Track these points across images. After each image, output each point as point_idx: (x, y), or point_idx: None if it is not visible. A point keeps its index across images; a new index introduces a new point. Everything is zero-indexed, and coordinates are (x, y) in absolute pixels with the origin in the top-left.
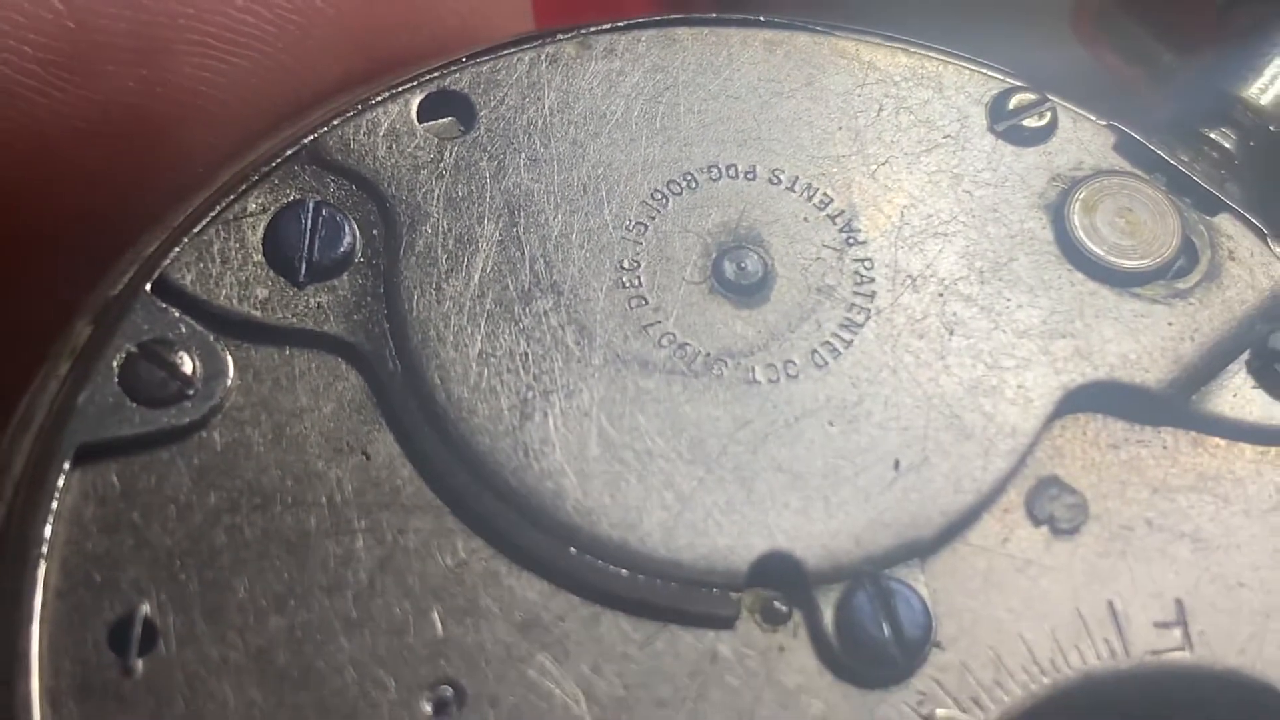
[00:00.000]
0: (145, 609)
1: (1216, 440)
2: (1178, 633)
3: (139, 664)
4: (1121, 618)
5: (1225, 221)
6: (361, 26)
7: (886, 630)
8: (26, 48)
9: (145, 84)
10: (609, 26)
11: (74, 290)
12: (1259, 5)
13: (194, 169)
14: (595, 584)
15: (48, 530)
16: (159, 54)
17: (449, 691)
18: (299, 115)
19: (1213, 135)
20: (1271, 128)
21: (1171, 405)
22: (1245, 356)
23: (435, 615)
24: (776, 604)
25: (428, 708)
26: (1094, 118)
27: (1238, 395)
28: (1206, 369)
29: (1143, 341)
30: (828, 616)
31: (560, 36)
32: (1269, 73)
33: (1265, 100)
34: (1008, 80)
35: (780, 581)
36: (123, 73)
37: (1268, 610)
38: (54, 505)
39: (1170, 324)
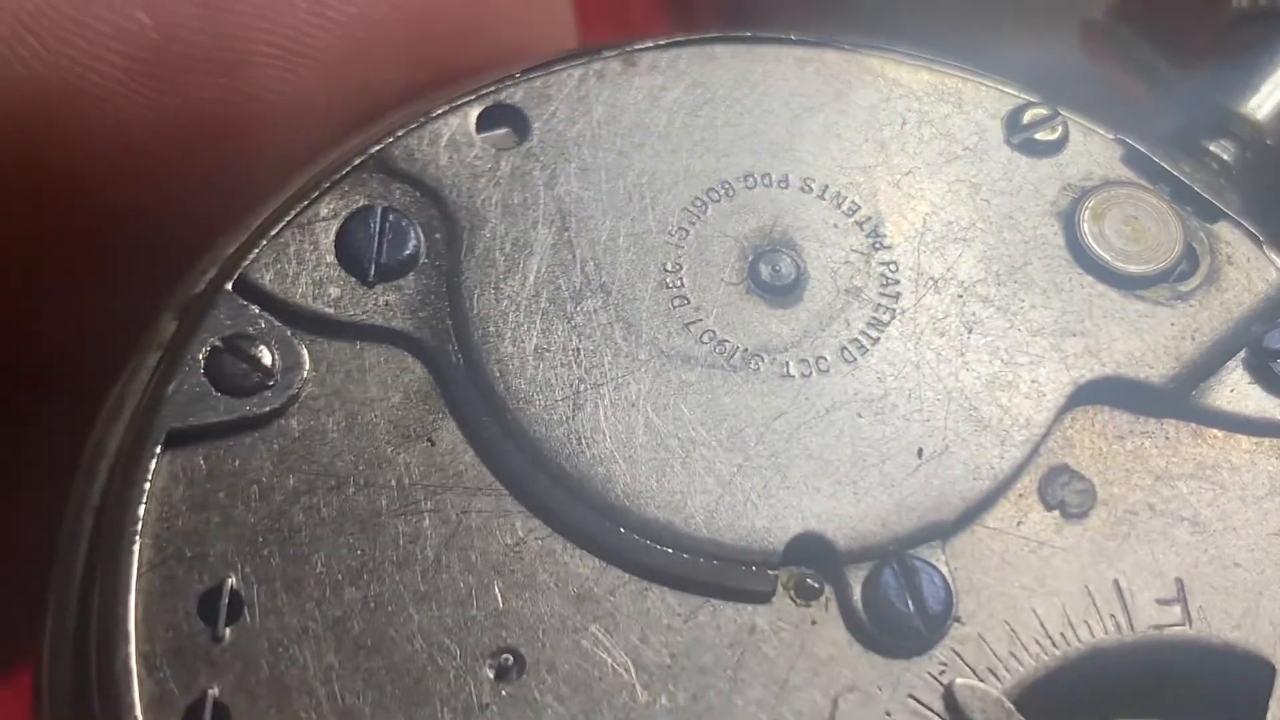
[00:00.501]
0: (232, 581)
1: (1215, 432)
2: (1178, 609)
3: (226, 632)
4: (1126, 595)
5: (1224, 229)
6: (421, 41)
7: (911, 605)
8: (115, 56)
9: (224, 92)
10: (651, 44)
11: (156, 283)
12: (1262, 22)
13: (267, 173)
14: (643, 561)
15: (141, 510)
16: (237, 64)
17: (509, 659)
18: (364, 125)
19: (1213, 148)
20: (1268, 141)
21: (1173, 399)
22: (1242, 354)
23: (496, 589)
24: (809, 581)
25: (490, 673)
26: (1103, 131)
27: (1235, 390)
28: (1206, 366)
29: (1147, 340)
30: (857, 592)
31: (607, 53)
32: (1266, 88)
33: (1262, 115)
34: (1022, 96)
35: (813, 560)
36: (204, 81)
37: (1261, 588)
38: (147, 486)
39: (1173, 324)
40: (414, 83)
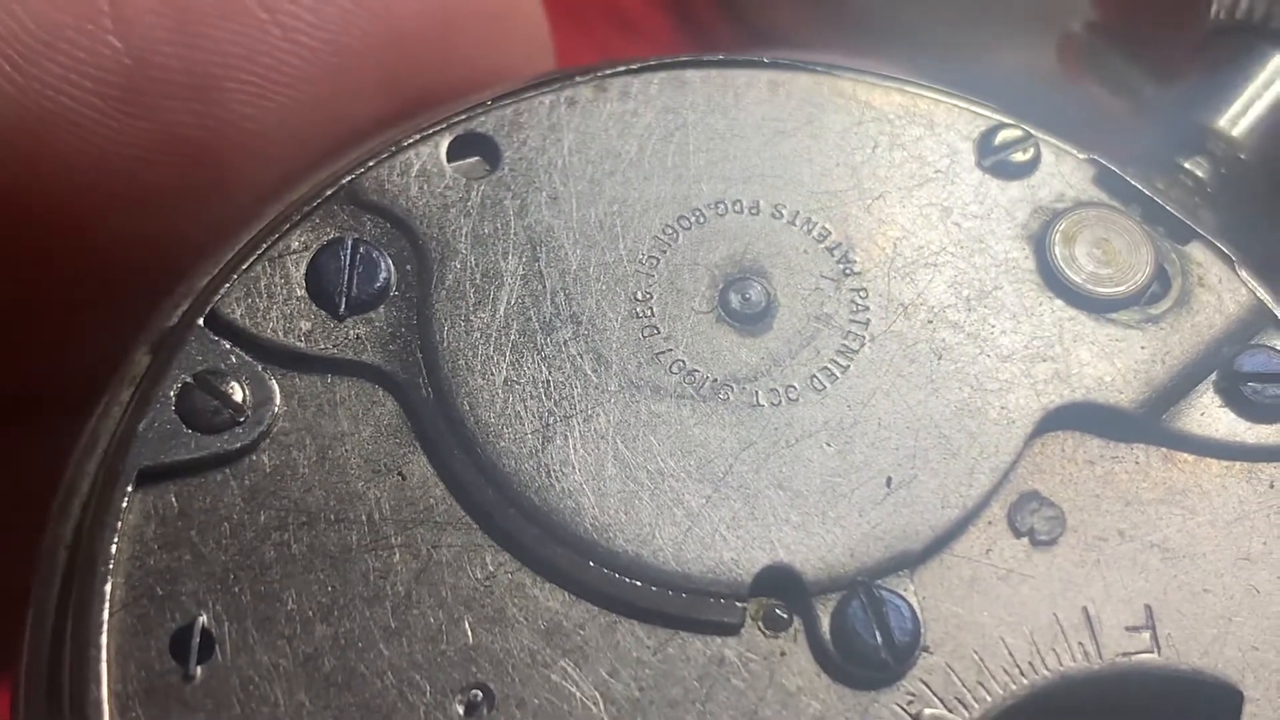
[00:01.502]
0: (203, 619)
1: (1185, 456)
2: (1147, 636)
3: (198, 670)
4: (1095, 622)
5: (1196, 249)
6: (394, 67)
7: (878, 636)
8: (87, 80)
9: (198, 118)
10: (623, 69)
11: (131, 310)
12: (1238, 36)
13: (240, 200)
14: (612, 594)
15: (113, 548)
16: (210, 89)
17: (478, 695)
18: (336, 153)
19: (1188, 164)
20: (1243, 157)
21: (1144, 423)
22: (1213, 377)
23: (466, 624)
24: (778, 611)
25: (460, 709)
26: (1075, 151)
27: (1205, 414)
28: (1177, 389)
29: (1118, 364)
30: (825, 624)
31: (578, 79)
32: (1240, 104)
33: (1237, 131)
34: (995, 116)
35: (782, 591)
36: (177, 106)
37: (1229, 614)
38: (119, 525)
39: (1143, 348)
40: (388, 109)
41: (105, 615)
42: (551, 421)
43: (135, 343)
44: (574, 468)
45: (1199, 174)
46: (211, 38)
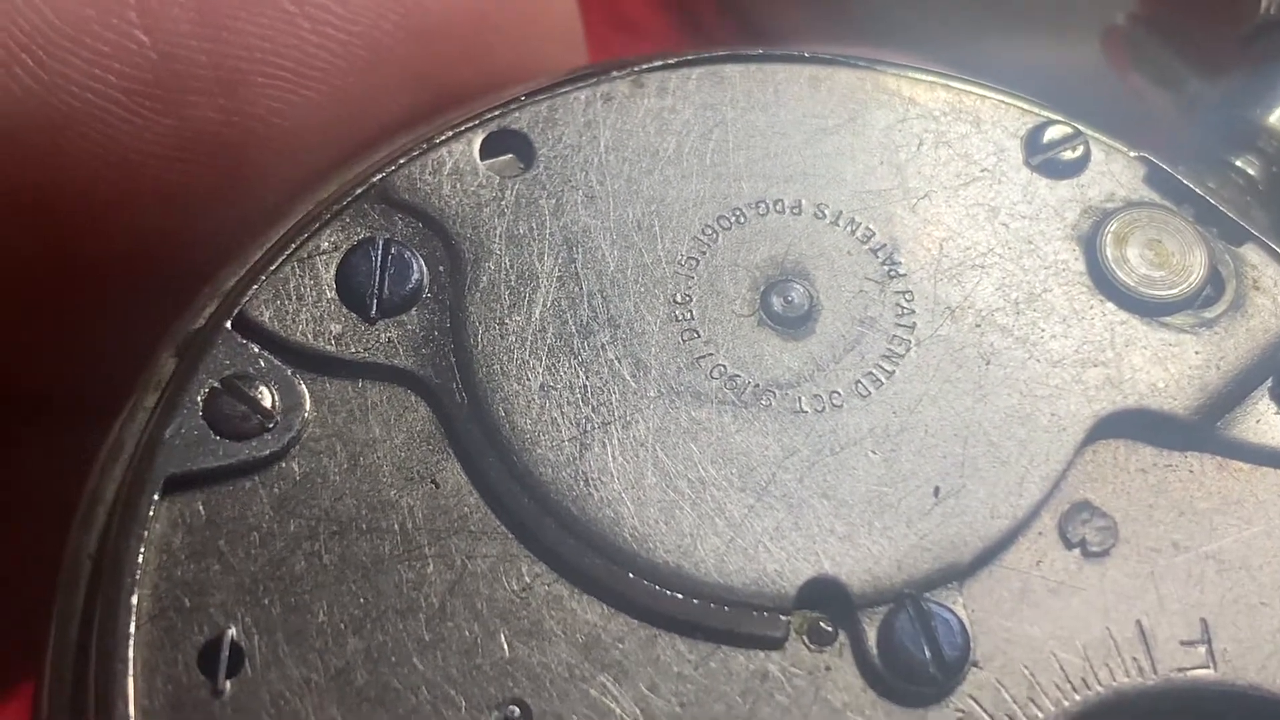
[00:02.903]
0: (232, 632)
1: (1240, 464)
2: (1202, 650)
3: (227, 685)
4: (1149, 636)
5: (1250, 251)
6: (425, 62)
7: (927, 651)
8: (112, 76)
9: (224, 113)
10: (660, 64)
11: (160, 309)
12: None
13: (268, 198)
14: (652, 607)
15: (140, 558)
16: (237, 85)
17: (515, 710)
18: (366, 150)
19: (1238, 163)
20: None
21: (1198, 431)
22: (1269, 384)
23: (502, 637)
24: (823, 625)
25: None
26: (1125, 149)
27: (1261, 421)
28: (1231, 396)
29: (1171, 370)
30: (871, 638)
31: (615, 74)
32: None
33: None
34: (1042, 113)
35: (827, 604)
36: (203, 102)
37: None
38: (145, 534)
39: (1197, 353)
40: (418, 104)
41: (132, 628)
42: (589, 428)
43: (161, 345)
44: (613, 476)
45: (1251, 172)
46: (238, 31)
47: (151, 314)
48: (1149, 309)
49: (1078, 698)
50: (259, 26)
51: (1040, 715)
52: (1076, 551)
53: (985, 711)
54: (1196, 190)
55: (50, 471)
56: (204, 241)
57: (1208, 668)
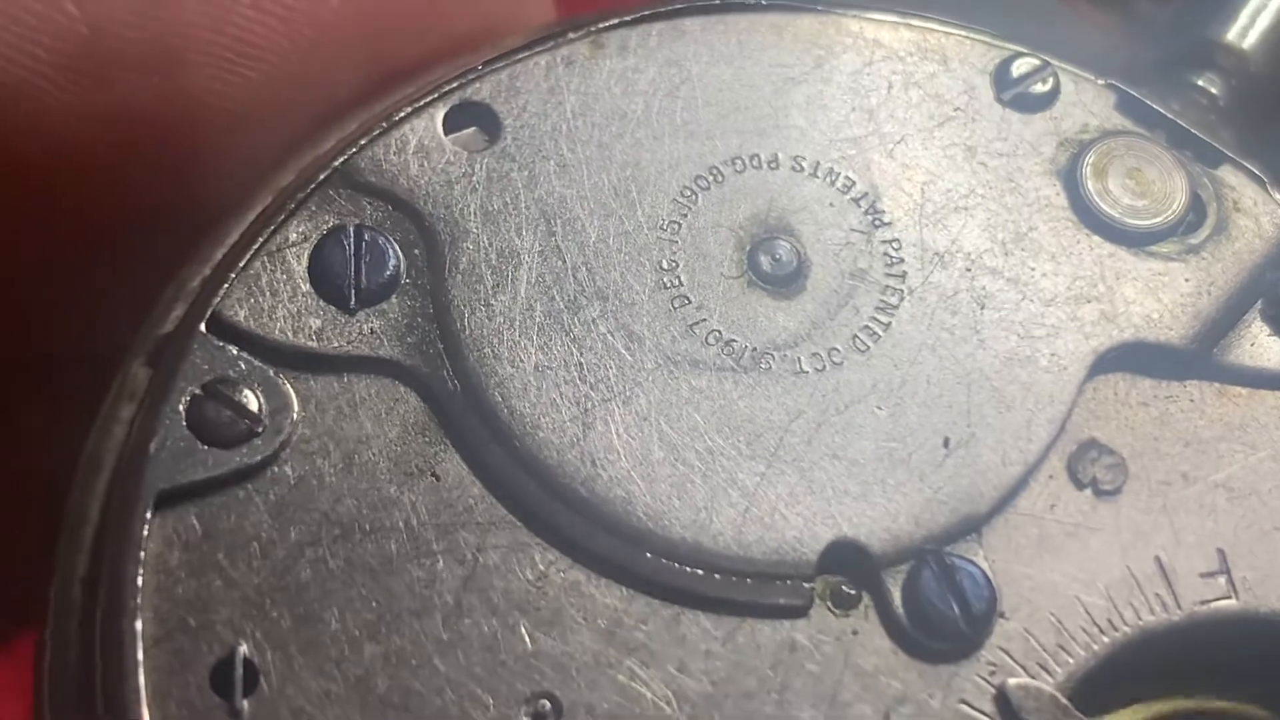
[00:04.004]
0: (243, 649)
1: (1239, 390)
2: (1223, 581)
3: (244, 704)
4: (1170, 572)
5: (1227, 173)
6: (374, 35)
7: (955, 607)
8: (41, 51)
9: (158, 92)
10: (617, 21)
11: (97, 286)
12: None
13: (217, 180)
14: (672, 585)
15: (139, 581)
16: (171, 63)
17: (546, 705)
18: (321, 129)
19: (1199, 82)
20: (1253, 70)
21: (1195, 359)
22: (1259, 305)
23: (523, 629)
24: (845, 588)
25: None
26: (1093, 78)
27: (1256, 344)
28: (1225, 321)
29: (1164, 300)
30: (896, 597)
31: (571, 35)
32: (1246, 15)
33: (1247, 44)
34: (1008, 46)
35: (848, 567)
36: (136, 80)
37: None
38: (141, 555)
39: (1187, 280)
40: (370, 79)
41: (139, 655)
42: (590, 406)
43: (130, 352)
44: (619, 454)
45: (1213, 90)
46: (173, 7)
47: (92, 293)
48: (1135, 239)
49: (1106, 640)
50: (196, 2)
51: (1071, 661)
52: (1089, 491)
53: (1016, 662)
54: (1166, 114)
55: None
56: (152, 222)
57: (1230, 598)
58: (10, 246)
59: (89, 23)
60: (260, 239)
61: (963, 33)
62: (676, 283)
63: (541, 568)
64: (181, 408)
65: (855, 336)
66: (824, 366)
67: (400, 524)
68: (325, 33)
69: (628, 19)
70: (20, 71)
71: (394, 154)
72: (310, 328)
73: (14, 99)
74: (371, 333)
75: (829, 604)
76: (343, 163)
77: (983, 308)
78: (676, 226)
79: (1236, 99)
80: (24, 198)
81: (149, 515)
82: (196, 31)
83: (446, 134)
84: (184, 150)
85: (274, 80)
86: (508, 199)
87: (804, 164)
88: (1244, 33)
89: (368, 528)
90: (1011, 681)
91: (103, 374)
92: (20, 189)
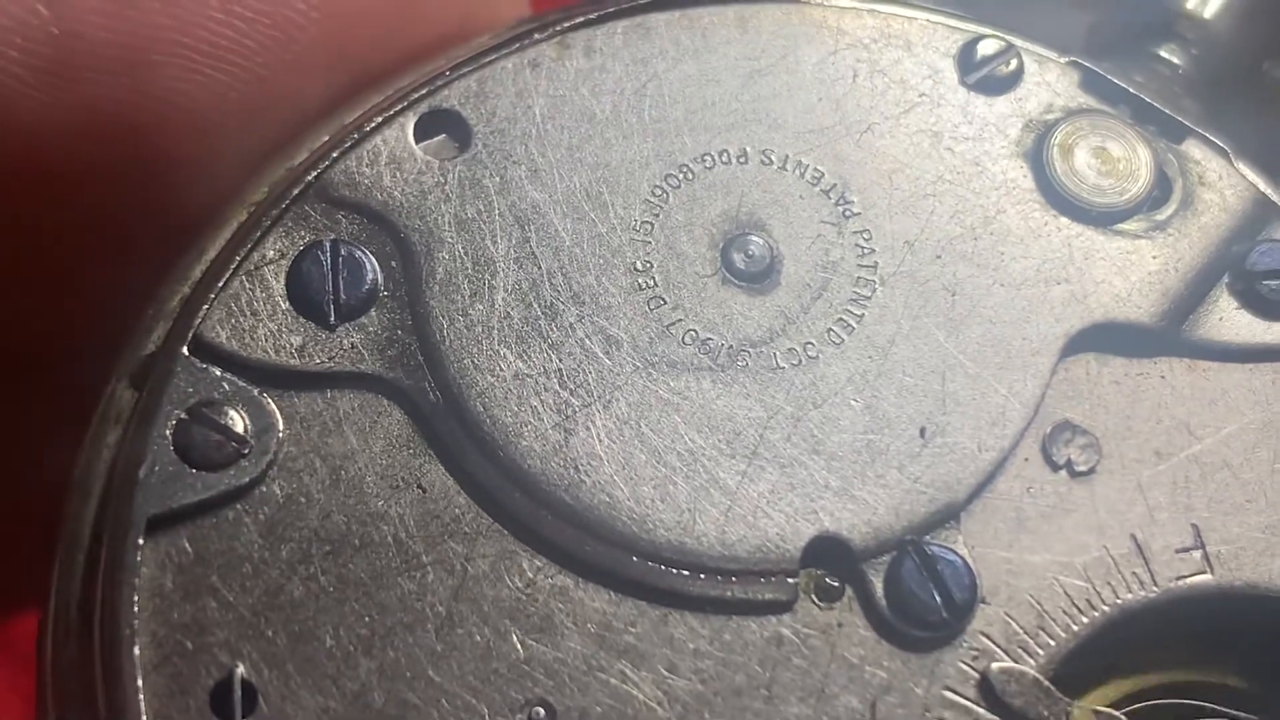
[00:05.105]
0: (240, 670)
1: (1208, 364)
2: (1198, 556)
3: None
4: (1145, 549)
5: (1192, 147)
6: (344, 37)
7: (936, 596)
8: (12, 51)
9: (127, 92)
10: (582, 20)
11: (66, 289)
12: None
13: (186, 182)
14: (659, 587)
15: (135, 609)
16: (140, 64)
17: (540, 712)
18: (292, 137)
19: (1161, 52)
20: (1214, 38)
21: (1164, 336)
22: (1226, 279)
23: (514, 637)
24: (829, 581)
25: None
26: (1056, 56)
27: (1224, 319)
28: (1192, 296)
29: (1131, 279)
30: (879, 589)
31: (537, 36)
32: None
33: (1208, 13)
34: (970, 28)
35: (830, 560)
36: (105, 80)
37: (1274, 524)
38: (136, 582)
39: (1154, 257)
40: (339, 81)
41: (139, 680)
42: (570, 413)
43: (112, 374)
44: (602, 460)
45: (1175, 60)
46: (141, 9)
47: (72, 292)
48: (1102, 219)
49: (1085, 620)
50: (163, 3)
51: (1052, 642)
52: (1063, 473)
53: (998, 646)
54: (1130, 90)
55: None
56: (121, 225)
57: (1205, 572)
58: None
59: (59, 23)
60: (238, 257)
61: (926, 16)
62: (651, 283)
63: (530, 575)
64: (168, 432)
65: (830, 330)
66: (800, 361)
67: (389, 537)
68: (293, 34)
69: (593, 17)
70: None
71: (366, 166)
72: (291, 345)
73: None
74: (352, 347)
75: (813, 597)
76: (316, 177)
77: (954, 294)
78: (649, 227)
79: (1199, 68)
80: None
81: (141, 541)
82: (164, 33)
83: (417, 143)
84: (153, 151)
85: (242, 82)
86: (481, 206)
87: (773, 157)
88: (1204, 1)
89: (357, 543)
90: (994, 666)
91: (77, 376)
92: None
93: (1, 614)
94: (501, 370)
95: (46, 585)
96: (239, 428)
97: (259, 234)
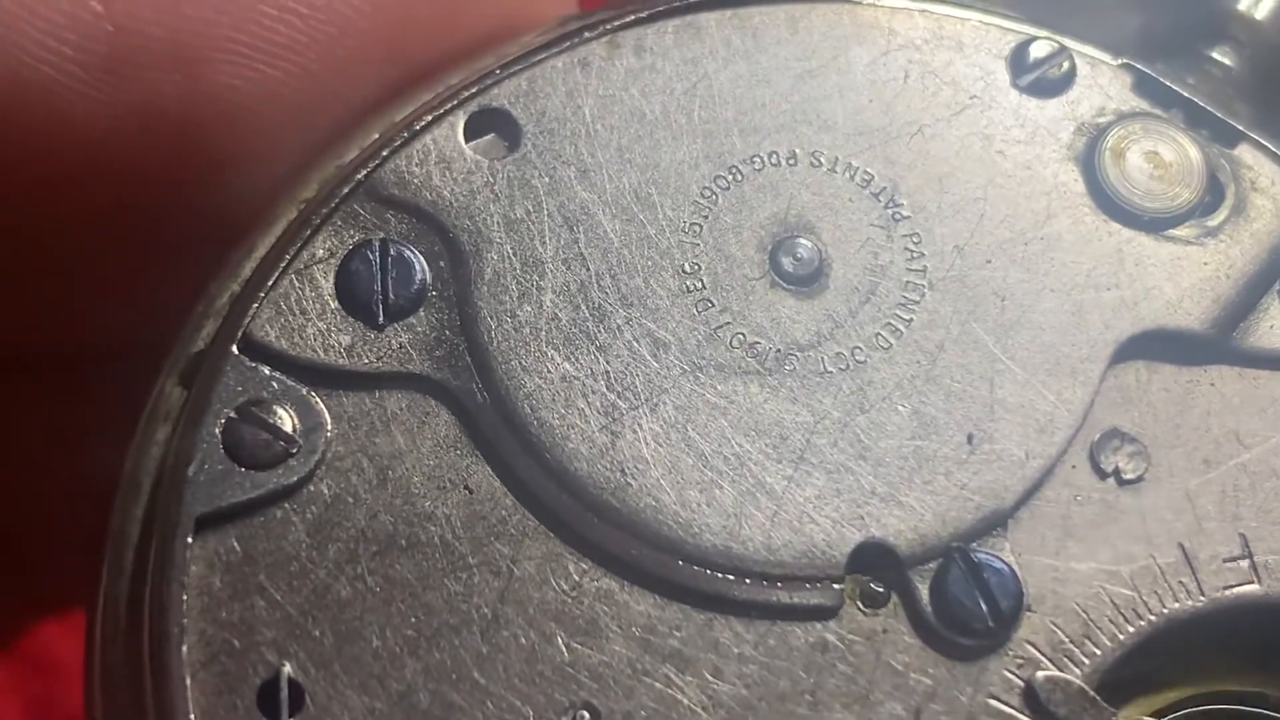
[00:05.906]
0: (288, 669)
1: (1259, 372)
2: (1245, 565)
3: None
4: (1193, 558)
5: (1245, 152)
6: (395, 34)
7: (982, 604)
8: (67, 49)
9: (181, 90)
10: (633, 19)
11: (122, 287)
12: None
13: (239, 178)
14: (704, 591)
15: (184, 608)
16: (194, 62)
17: (585, 715)
18: (342, 134)
19: (1214, 54)
20: (1268, 39)
21: (1215, 344)
22: (1278, 287)
23: (559, 640)
24: (874, 587)
25: None
26: (1109, 58)
27: (1275, 326)
28: (1244, 304)
29: (1183, 285)
30: (924, 596)
31: (587, 34)
32: None
33: (1260, 14)
34: (1022, 29)
35: (876, 567)
36: (159, 78)
37: None
38: (185, 580)
39: (1206, 264)
40: (393, 75)
41: (187, 681)
42: (618, 415)
43: (162, 371)
44: (648, 463)
45: (1228, 63)
46: (195, 4)
47: (118, 293)
48: (1154, 224)
49: (1132, 630)
50: (218, 0)
51: (1098, 651)
52: (1111, 481)
53: (1044, 655)
54: (1183, 93)
55: None
56: (175, 220)
57: (1253, 583)
58: (37, 243)
59: (114, 20)
60: (288, 255)
61: (979, 17)
62: (700, 286)
63: (576, 577)
64: (217, 431)
65: (878, 334)
66: (847, 366)
67: (436, 538)
68: (346, 30)
69: (643, 15)
70: (47, 69)
71: (416, 165)
72: (340, 345)
73: (42, 96)
74: (400, 348)
75: (859, 603)
76: (366, 175)
77: (1004, 300)
78: (698, 228)
79: (1252, 70)
80: (51, 194)
81: (190, 540)
82: (218, 30)
83: (467, 142)
84: (207, 148)
85: (294, 79)
86: (530, 207)
87: (822, 159)
88: (1257, 2)
89: (404, 543)
90: (1039, 675)
91: (131, 371)
92: (48, 185)
93: (2, 614)
94: (549, 372)
95: (95, 583)
96: (288, 427)
97: (309, 232)
